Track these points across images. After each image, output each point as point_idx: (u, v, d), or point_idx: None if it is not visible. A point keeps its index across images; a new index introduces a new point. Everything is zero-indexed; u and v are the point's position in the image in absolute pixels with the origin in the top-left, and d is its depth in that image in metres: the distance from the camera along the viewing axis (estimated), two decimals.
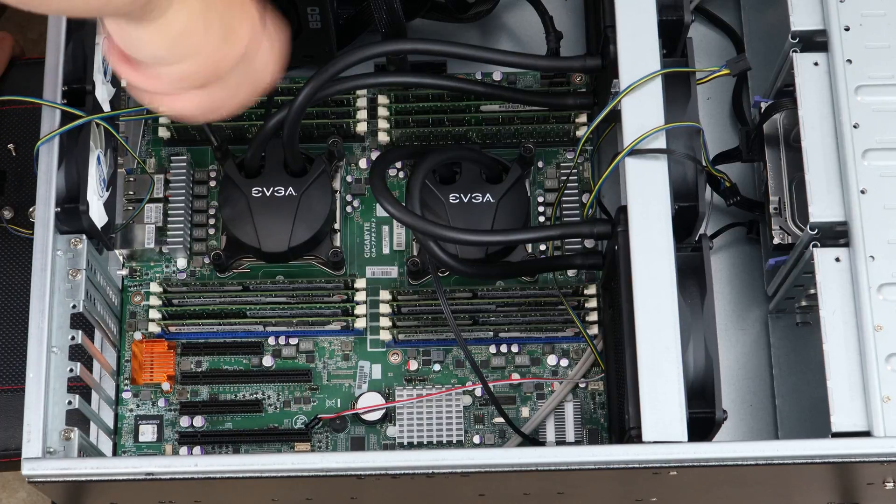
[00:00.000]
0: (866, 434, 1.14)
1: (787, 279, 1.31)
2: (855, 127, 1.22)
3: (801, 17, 1.27)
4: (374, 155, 1.46)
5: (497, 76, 1.48)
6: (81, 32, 1.27)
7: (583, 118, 1.43)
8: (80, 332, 1.21)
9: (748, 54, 1.47)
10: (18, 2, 0.89)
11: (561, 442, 1.36)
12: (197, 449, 1.37)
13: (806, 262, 1.24)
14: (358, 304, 1.38)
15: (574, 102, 1.40)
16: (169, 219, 1.42)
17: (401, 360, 1.40)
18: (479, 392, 1.38)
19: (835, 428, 1.15)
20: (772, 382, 1.42)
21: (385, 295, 1.37)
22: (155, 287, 1.37)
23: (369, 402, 1.37)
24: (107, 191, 1.31)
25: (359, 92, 1.45)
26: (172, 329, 1.39)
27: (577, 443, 1.36)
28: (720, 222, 1.46)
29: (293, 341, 1.40)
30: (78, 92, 1.25)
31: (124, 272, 1.42)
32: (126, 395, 1.39)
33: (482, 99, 1.41)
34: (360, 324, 1.38)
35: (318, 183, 1.39)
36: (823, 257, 1.20)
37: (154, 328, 1.38)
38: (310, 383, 1.39)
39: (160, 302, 1.37)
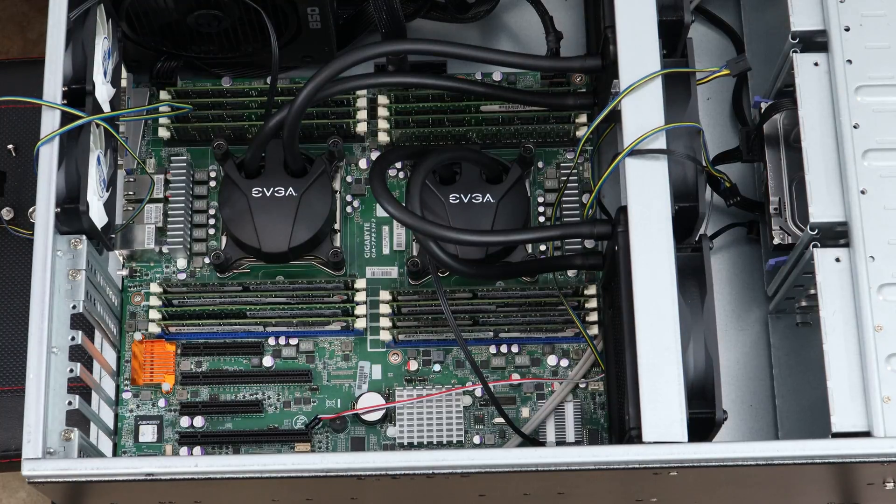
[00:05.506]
0: (866, 434, 1.14)
1: (787, 279, 1.31)
2: (855, 127, 1.22)
3: (801, 18, 1.27)
4: (374, 155, 1.46)
5: (497, 76, 1.48)
6: (81, 32, 1.27)
7: (583, 118, 1.43)
8: (80, 332, 1.21)
9: (748, 54, 1.47)
10: None
11: (561, 442, 1.36)
12: (197, 449, 1.37)
13: (806, 263, 1.24)
14: (358, 304, 1.38)
15: (574, 102, 1.40)
16: (169, 219, 1.42)
17: (401, 361, 1.40)
18: (479, 392, 1.38)
19: (835, 428, 1.15)
20: (772, 382, 1.42)
21: (385, 295, 1.37)
22: (155, 287, 1.37)
23: (369, 403, 1.37)
24: (107, 191, 1.31)
25: (359, 92, 1.44)
26: (172, 329, 1.39)
27: (577, 443, 1.36)
28: (720, 222, 1.46)
29: (293, 342, 1.40)
30: (78, 92, 1.25)
31: (124, 272, 1.42)
32: (126, 396, 1.39)
33: (482, 99, 1.41)
34: (361, 324, 1.38)
35: (318, 183, 1.39)
36: (823, 257, 1.20)
37: (154, 328, 1.38)
38: (310, 384, 1.39)
39: (160, 302, 1.37)
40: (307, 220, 1.38)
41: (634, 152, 1.20)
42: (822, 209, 1.21)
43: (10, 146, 1.45)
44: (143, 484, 1.15)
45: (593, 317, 1.37)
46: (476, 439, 1.38)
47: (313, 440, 1.38)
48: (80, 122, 1.23)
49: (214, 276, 1.42)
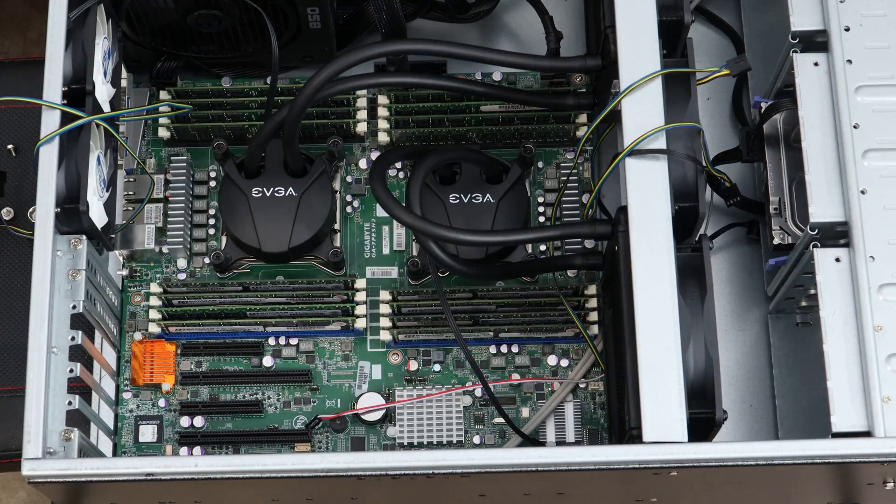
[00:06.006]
0: (866, 434, 1.14)
1: (787, 279, 1.31)
2: (855, 127, 1.22)
3: (801, 18, 1.27)
4: (374, 155, 1.46)
5: (497, 76, 1.48)
6: (81, 32, 1.27)
7: (583, 118, 1.43)
8: (80, 332, 1.21)
9: (748, 54, 1.47)
10: None
11: (561, 442, 1.36)
12: (197, 449, 1.37)
13: (806, 263, 1.24)
14: (358, 304, 1.38)
15: (574, 102, 1.40)
16: (169, 219, 1.42)
17: (401, 361, 1.40)
18: (479, 392, 1.38)
19: (835, 428, 1.15)
20: (772, 382, 1.42)
21: (385, 295, 1.37)
22: (155, 287, 1.37)
23: (369, 403, 1.37)
24: (107, 191, 1.31)
25: (359, 92, 1.44)
26: (172, 329, 1.39)
27: (577, 443, 1.36)
28: (720, 222, 1.45)
29: (293, 342, 1.40)
30: (78, 92, 1.25)
31: (124, 272, 1.42)
32: (126, 396, 1.39)
33: (482, 99, 1.41)
34: (361, 324, 1.38)
35: (318, 183, 1.39)
36: (823, 257, 1.20)
37: (154, 329, 1.38)
38: (310, 384, 1.39)
39: (160, 302, 1.37)
40: (307, 220, 1.38)
41: (634, 152, 1.20)
42: (822, 209, 1.21)
43: (10, 146, 1.45)
44: (143, 484, 1.15)
45: (593, 317, 1.37)
46: (476, 439, 1.38)
47: (313, 440, 1.38)
48: (80, 122, 1.23)
49: (214, 276, 1.42)
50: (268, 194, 1.38)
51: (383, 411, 1.37)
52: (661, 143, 1.21)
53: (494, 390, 1.37)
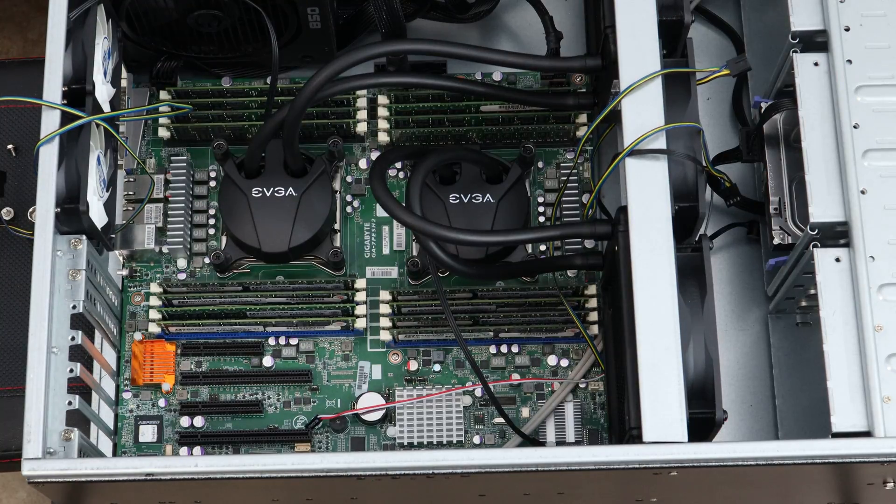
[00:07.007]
0: (866, 434, 1.14)
1: (788, 279, 1.31)
2: (855, 127, 1.22)
3: (801, 18, 1.27)
4: (374, 155, 1.46)
5: (497, 76, 1.48)
6: (81, 32, 1.27)
7: (583, 118, 1.43)
8: (80, 332, 1.21)
9: (748, 54, 1.47)
10: None
11: (561, 442, 1.36)
12: (197, 449, 1.37)
13: (806, 263, 1.24)
14: (358, 304, 1.38)
15: (574, 102, 1.40)
16: (169, 219, 1.42)
17: (401, 361, 1.40)
18: (479, 392, 1.38)
19: (835, 428, 1.15)
20: (772, 382, 1.42)
21: (385, 295, 1.37)
22: (155, 287, 1.37)
23: (369, 403, 1.37)
24: (107, 191, 1.31)
25: (359, 92, 1.45)
26: (172, 329, 1.39)
27: (577, 443, 1.36)
28: (720, 222, 1.46)
29: (293, 342, 1.40)
30: (78, 92, 1.25)
31: (124, 272, 1.42)
32: (126, 396, 1.39)
33: (482, 99, 1.41)
34: (361, 324, 1.38)
35: (318, 183, 1.39)
36: (823, 257, 1.20)
37: (154, 329, 1.38)
38: (310, 384, 1.39)
39: (160, 302, 1.37)
40: (307, 220, 1.38)
41: (634, 152, 1.20)
42: (822, 209, 1.21)
43: (10, 146, 1.45)
44: (143, 484, 1.15)
45: (593, 317, 1.37)
46: (476, 439, 1.38)
47: (313, 440, 1.38)
48: (80, 122, 1.23)
49: (214, 276, 1.42)
50: (268, 194, 1.38)
51: (383, 411, 1.37)
52: (661, 143, 1.21)
53: (494, 390, 1.37)
